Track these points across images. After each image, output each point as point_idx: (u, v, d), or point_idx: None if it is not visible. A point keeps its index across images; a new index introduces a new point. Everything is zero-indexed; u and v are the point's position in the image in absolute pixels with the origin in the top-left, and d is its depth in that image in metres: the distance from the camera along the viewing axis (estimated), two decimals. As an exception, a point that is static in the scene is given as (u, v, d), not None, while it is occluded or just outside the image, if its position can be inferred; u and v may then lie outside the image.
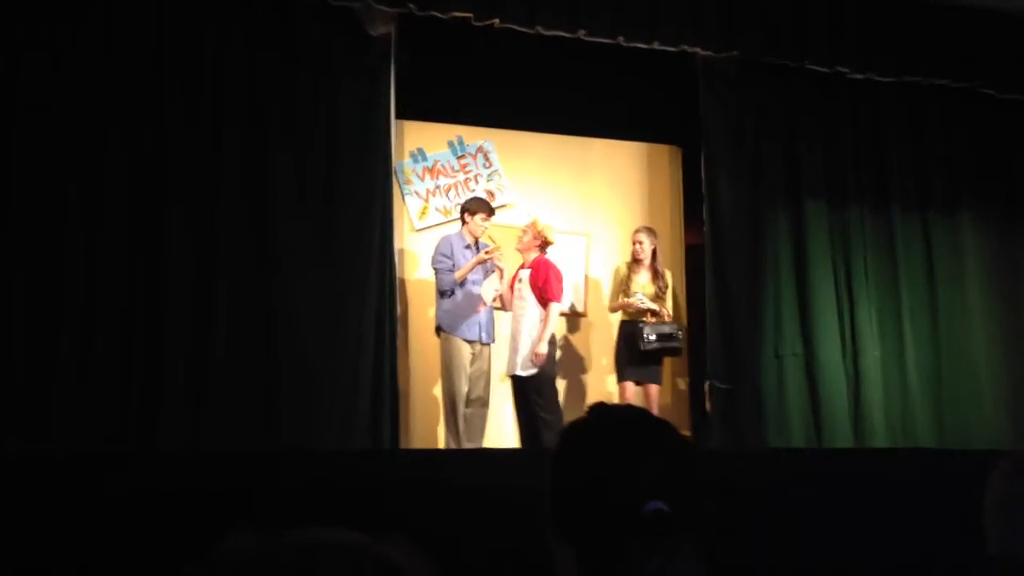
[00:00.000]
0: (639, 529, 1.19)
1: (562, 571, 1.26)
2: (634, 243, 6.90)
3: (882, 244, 7.18)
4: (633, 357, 6.71)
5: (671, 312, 6.88)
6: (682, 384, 7.63)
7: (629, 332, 6.77)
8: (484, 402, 6.46)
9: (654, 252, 6.89)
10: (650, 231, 6.99)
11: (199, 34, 5.90)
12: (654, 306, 6.76)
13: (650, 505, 1.19)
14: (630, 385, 6.75)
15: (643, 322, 6.72)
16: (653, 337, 6.63)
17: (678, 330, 6.78)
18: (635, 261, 6.90)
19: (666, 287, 6.88)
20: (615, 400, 7.18)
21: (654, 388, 6.76)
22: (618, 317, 7.02)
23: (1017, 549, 1.65)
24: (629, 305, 6.80)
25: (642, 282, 6.84)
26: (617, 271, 7.10)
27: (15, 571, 3.29)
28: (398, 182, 6.98)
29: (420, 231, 7.28)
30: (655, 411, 6.42)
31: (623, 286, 6.90)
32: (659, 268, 6.90)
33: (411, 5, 6.03)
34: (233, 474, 3.89)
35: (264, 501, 3.58)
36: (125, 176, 5.65)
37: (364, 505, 3.59)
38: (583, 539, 1.24)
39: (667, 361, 7.03)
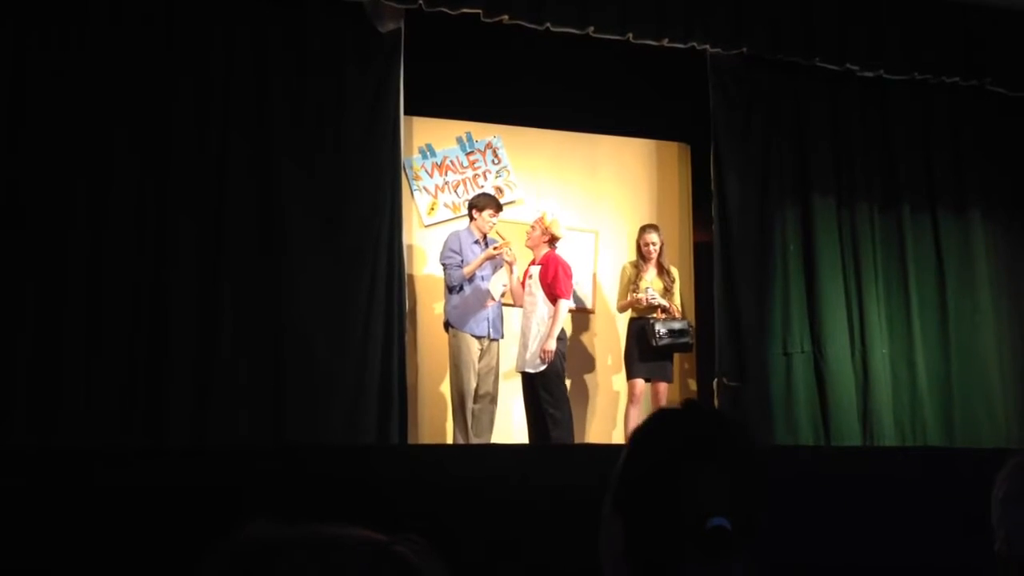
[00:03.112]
0: (698, 544, 1.17)
1: (606, 545, 1.25)
2: (646, 243, 6.87)
3: (891, 242, 7.17)
4: (643, 353, 6.70)
5: (680, 308, 6.87)
6: (691, 383, 7.62)
7: (639, 328, 6.76)
8: (492, 398, 6.45)
9: (661, 248, 6.89)
10: (656, 228, 6.98)
11: (208, 31, 5.91)
12: (664, 302, 6.74)
13: (713, 521, 1.18)
14: (639, 382, 6.74)
15: (653, 318, 6.72)
16: (664, 331, 6.62)
17: (689, 326, 6.78)
18: (643, 259, 6.89)
19: (673, 282, 6.87)
20: (621, 398, 7.19)
21: (663, 386, 6.74)
22: (627, 315, 7.02)
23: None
24: (639, 302, 6.79)
25: (650, 278, 6.84)
26: (624, 270, 7.08)
27: (18, 567, 3.30)
28: (407, 178, 6.98)
29: (429, 227, 7.28)
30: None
31: (631, 284, 6.89)
32: (665, 264, 6.90)
33: (420, 1, 6.03)
34: (237, 469, 3.90)
35: (267, 496, 3.58)
36: (133, 173, 5.67)
37: (370, 499, 3.60)
38: (639, 539, 1.22)
39: (677, 360, 7.02)
